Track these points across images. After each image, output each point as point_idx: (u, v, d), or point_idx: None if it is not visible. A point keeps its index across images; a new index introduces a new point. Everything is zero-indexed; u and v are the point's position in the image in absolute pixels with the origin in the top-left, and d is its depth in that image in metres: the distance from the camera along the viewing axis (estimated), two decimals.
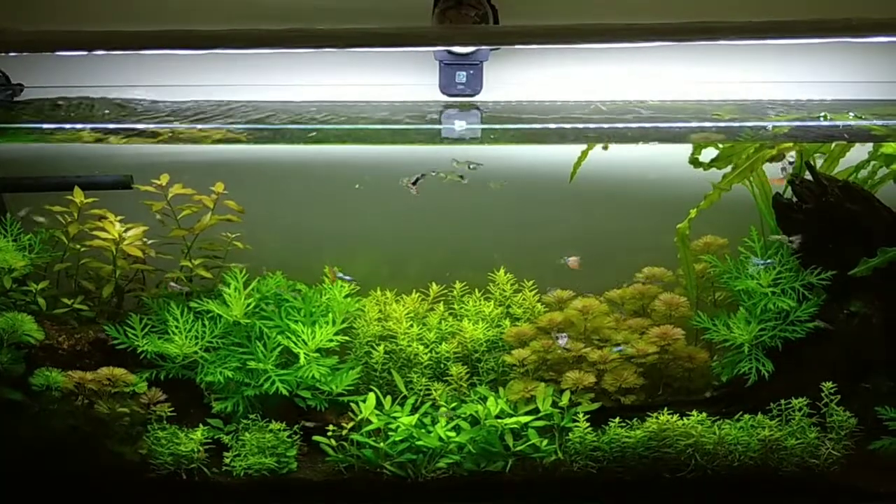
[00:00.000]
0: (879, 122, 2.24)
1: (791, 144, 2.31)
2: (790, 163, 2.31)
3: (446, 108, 2.44)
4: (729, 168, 2.39)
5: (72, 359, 2.35)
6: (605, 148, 2.35)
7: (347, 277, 2.45)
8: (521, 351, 2.40)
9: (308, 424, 2.32)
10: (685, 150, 2.41)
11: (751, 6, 2.45)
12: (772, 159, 2.33)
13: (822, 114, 2.28)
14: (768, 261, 2.29)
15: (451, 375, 2.43)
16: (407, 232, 2.63)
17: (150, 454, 2.28)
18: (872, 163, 2.37)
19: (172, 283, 2.40)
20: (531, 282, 2.53)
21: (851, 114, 2.27)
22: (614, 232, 2.53)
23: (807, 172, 2.35)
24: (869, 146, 2.37)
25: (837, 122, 2.25)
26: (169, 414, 2.31)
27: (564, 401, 2.32)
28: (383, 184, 2.56)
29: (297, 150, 2.57)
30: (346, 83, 2.49)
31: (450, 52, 2.39)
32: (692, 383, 2.41)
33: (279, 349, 2.37)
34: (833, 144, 2.37)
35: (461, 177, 2.27)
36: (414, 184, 2.21)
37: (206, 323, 2.38)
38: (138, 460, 2.28)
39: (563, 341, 2.29)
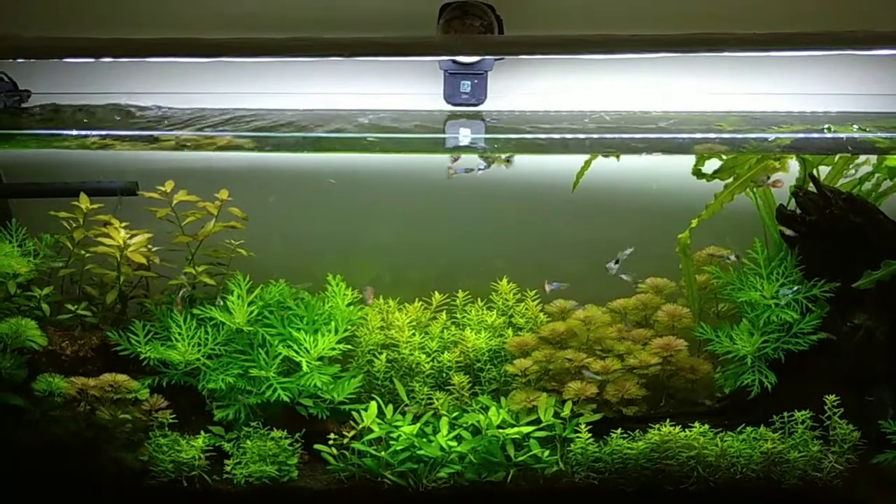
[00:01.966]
0: (883, 135, 2.24)
1: (776, 164, 2.31)
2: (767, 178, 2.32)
3: (451, 117, 2.45)
4: (731, 179, 2.39)
5: (74, 365, 2.35)
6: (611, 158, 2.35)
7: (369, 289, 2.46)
8: (523, 361, 2.40)
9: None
10: (689, 160, 2.41)
11: (755, 18, 2.46)
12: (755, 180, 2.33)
13: (826, 126, 2.28)
14: (794, 289, 2.28)
15: (453, 385, 2.43)
16: (410, 240, 2.63)
17: (152, 461, 2.28)
18: (876, 175, 2.36)
19: (178, 300, 2.40)
20: (534, 291, 2.53)
21: (855, 126, 2.27)
22: (618, 241, 2.53)
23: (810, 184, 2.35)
24: (873, 159, 2.37)
25: (841, 135, 2.25)
26: (171, 421, 2.32)
27: (566, 411, 2.32)
28: (386, 192, 2.56)
29: (300, 158, 2.58)
30: (352, 92, 2.50)
31: (454, 62, 2.40)
32: (695, 395, 2.40)
33: (281, 357, 2.37)
34: (837, 156, 2.37)
35: (508, 159, 2.28)
36: (455, 161, 2.22)
37: (209, 330, 2.38)
38: (139, 467, 2.28)
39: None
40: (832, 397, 2.24)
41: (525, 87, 2.53)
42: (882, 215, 2.34)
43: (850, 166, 2.38)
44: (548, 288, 2.43)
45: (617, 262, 2.29)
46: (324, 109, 2.46)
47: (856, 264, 2.28)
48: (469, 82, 2.41)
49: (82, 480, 2.28)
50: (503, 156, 2.35)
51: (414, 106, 2.46)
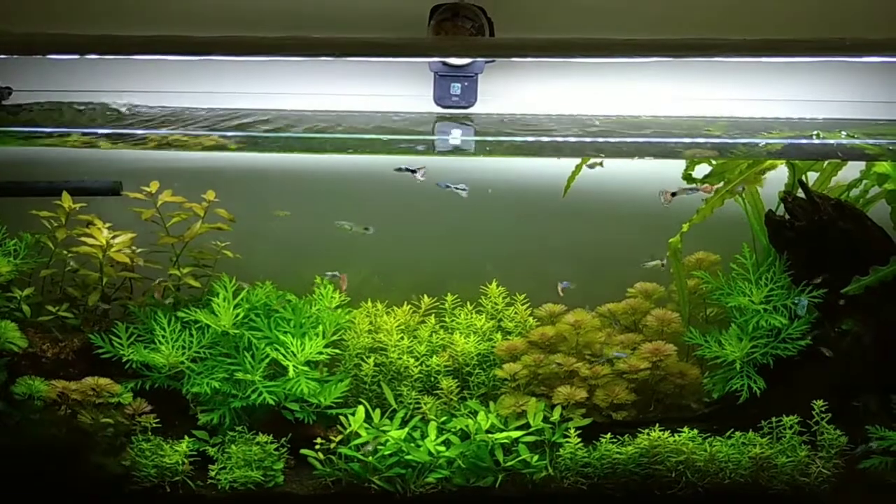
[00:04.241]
0: (871, 142, 2.26)
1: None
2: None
3: (440, 119, 2.43)
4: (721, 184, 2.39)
5: (56, 367, 2.31)
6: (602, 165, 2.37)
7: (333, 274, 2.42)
8: (512, 365, 2.39)
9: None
10: (678, 165, 2.42)
11: (745, 24, 2.48)
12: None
13: (815, 132, 2.30)
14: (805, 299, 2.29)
15: (442, 389, 2.41)
16: (399, 242, 2.61)
17: (134, 466, 2.24)
18: (864, 181, 2.38)
19: (158, 287, 2.36)
20: (523, 295, 2.52)
21: (844, 133, 2.28)
22: (607, 246, 2.53)
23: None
24: (859, 165, 2.39)
25: (830, 141, 2.26)
26: (154, 425, 2.28)
27: (556, 416, 2.31)
28: (376, 193, 2.55)
29: (288, 159, 2.55)
30: (341, 92, 2.48)
31: (445, 64, 2.38)
32: (683, 400, 2.40)
33: (267, 360, 2.34)
34: (825, 163, 2.39)
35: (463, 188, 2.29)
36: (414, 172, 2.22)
37: (194, 333, 2.35)
38: (121, 472, 2.24)
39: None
40: (820, 402, 2.24)
41: (515, 90, 2.52)
42: (870, 221, 2.35)
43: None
44: (560, 287, 2.41)
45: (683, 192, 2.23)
46: (312, 110, 2.43)
47: (844, 270, 2.29)
48: (459, 84, 2.40)
49: (63, 486, 2.23)
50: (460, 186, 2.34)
51: (404, 108, 2.45)
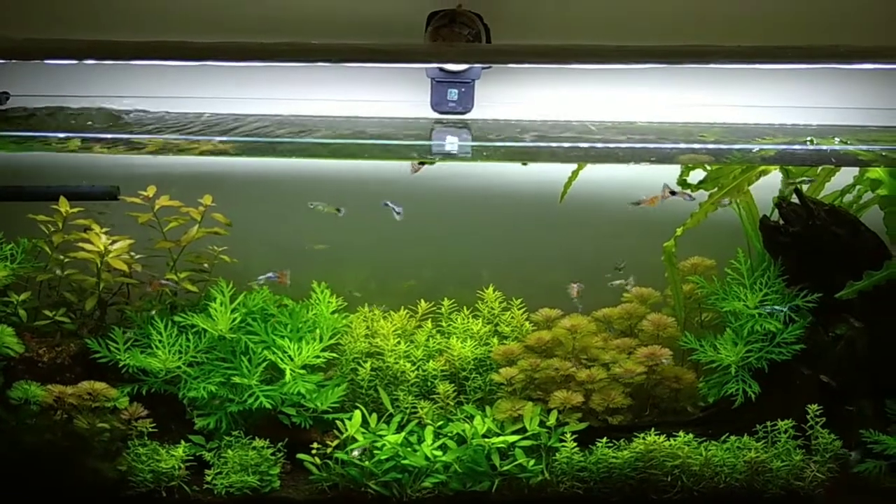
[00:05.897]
0: (864, 147, 2.28)
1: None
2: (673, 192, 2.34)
3: (437, 125, 2.45)
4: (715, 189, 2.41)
5: (52, 372, 2.30)
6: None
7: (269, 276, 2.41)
8: (508, 369, 2.39)
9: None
10: (674, 171, 2.43)
11: (739, 31, 2.50)
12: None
13: (809, 138, 2.32)
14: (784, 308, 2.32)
15: (438, 393, 2.41)
16: (396, 248, 2.61)
17: (130, 471, 2.24)
18: (857, 187, 2.40)
19: (162, 282, 2.36)
20: (519, 300, 2.52)
21: (837, 139, 2.30)
22: (603, 251, 2.54)
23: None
24: (852, 172, 2.41)
25: (824, 147, 2.28)
26: (150, 430, 2.27)
27: (552, 420, 2.31)
28: (372, 199, 2.55)
29: (286, 164, 2.56)
30: (338, 98, 2.49)
31: (442, 70, 2.40)
32: (679, 404, 2.41)
33: (264, 364, 2.35)
34: (819, 168, 2.40)
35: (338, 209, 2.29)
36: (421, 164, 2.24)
37: (191, 337, 2.35)
38: (117, 477, 2.24)
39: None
40: (814, 407, 2.25)
41: (512, 96, 2.54)
42: (863, 226, 2.37)
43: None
44: (575, 288, 2.42)
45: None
46: (310, 116, 2.44)
47: (838, 274, 2.31)
48: (456, 90, 2.42)
49: (59, 491, 2.22)
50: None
51: (401, 113, 2.46)
